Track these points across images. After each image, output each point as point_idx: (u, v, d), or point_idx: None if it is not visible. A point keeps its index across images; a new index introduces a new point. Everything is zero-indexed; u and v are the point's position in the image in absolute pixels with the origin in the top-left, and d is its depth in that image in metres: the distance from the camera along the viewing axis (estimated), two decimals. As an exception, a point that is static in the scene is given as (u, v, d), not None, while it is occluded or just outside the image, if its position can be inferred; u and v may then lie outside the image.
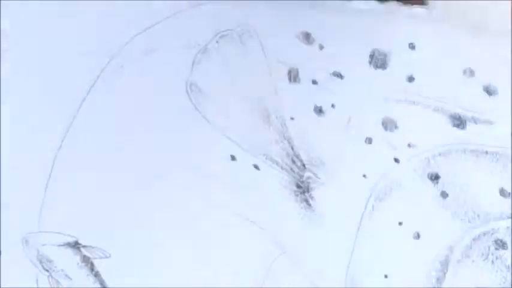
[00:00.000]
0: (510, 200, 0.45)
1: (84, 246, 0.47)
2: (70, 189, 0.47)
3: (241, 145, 0.47)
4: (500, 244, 0.45)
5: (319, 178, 0.46)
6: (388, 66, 0.47)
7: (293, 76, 0.47)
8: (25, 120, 0.48)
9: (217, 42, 0.48)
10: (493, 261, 0.45)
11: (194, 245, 0.46)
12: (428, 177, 0.46)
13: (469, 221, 0.45)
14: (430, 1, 0.47)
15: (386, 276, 0.45)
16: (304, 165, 0.47)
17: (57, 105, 0.48)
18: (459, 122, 0.46)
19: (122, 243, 0.47)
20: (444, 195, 0.46)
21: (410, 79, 0.46)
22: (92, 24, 0.48)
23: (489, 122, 0.46)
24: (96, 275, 0.47)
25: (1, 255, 0.47)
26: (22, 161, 0.48)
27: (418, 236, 0.46)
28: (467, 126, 0.46)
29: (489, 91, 0.46)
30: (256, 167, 0.47)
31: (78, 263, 0.47)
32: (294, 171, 0.47)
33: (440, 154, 0.46)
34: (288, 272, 0.46)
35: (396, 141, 0.46)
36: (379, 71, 0.47)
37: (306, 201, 0.46)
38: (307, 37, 0.47)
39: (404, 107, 0.46)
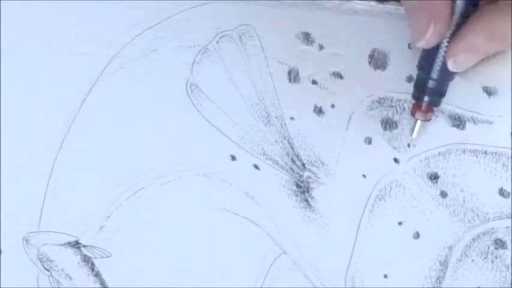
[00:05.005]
0: (510, 200, 0.45)
1: (84, 246, 0.47)
2: (70, 189, 0.47)
3: (241, 145, 0.47)
4: (500, 244, 0.45)
5: (319, 178, 0.46)
6: (388, 66, 0.47)
7: (293, 76, 0.47)
8: (25, 120, 0.48)
9: (217, 42, 0.48)
10: (492, 261, 0.45)
11: (194, 244, 0.47)
12: (428, 177, 0.46)
13: (469, 221, 0.45)
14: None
15: (386, 276, 0.45)
16: (304, 165, 0.47)
17: (58, 105, 0.48)
18: (459, 122, 0.46)
19: (122, 243, 0.47)
20: (444, 195, 0.46)
21: (410, 79, 0.46)
22: (92, 25, 0.48)
23: (489, 122, 0.46)
24: (97, 274, 0.47)
25: (1, 255, 0.47)
26: (22, 160, 0.48)
27: (417, 235, 0.46)
28: (467, 126, 0.46)
29: (489, 91, 0.46)
30: (256, 167, 0.47)
31: (78, 263, 0.47)
32: (294, 171, 0.47)
33: (440, 154, 0.46)
34: (288, 272, 0.46)
35: (396, 141, 0.46)
36: (379, 71, 0.47)
37: (306, 201, 0.46)
38: (307, 37, 0.47)
39: (404, 107, 0.46)
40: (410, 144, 0.46)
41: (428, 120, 0.44)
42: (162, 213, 0.47)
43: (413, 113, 0.44)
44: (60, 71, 0.48)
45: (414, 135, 0.45)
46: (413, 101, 0.44)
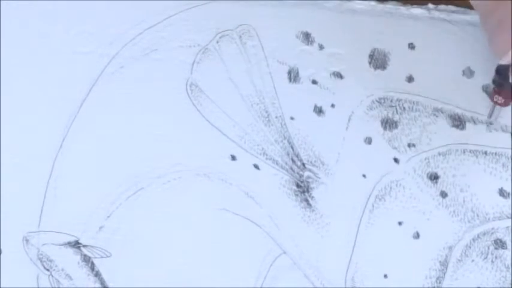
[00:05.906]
0: (509, 200, 0.45)
1: (84, 246, 0.47)
2: (70, 189, 0.47)
3: (241, 145, 0.47)
4: (500, 244, 0.45)
5: (319, 178, 0.46)
6: (388, 66, 0.47)
7: (293, 76, 0.47)
8: (25, 120, 0.48)
9: (217, 42, 0.48)
10: (492, 261, 0.45)
11: (194, 244, 0.47)
12: (428, 177, 0.46)
13: (469, 221, 0.45)
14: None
15: (386, 276, 0.45)
16: (304, 165, 0.47)
17: (58, 105, 0.48)
18: (459, 122, 0.46)
19: (121, 243, 0.47)
20: (444, 195, 0.46)
21: (410, 79, 0.46)
22: (92, 25, 0.48)
23: (489, 122, 0.46)
24: (97, 274, 0.47)
25: (1, 255, 0.47)
26: (22, 160, 0.48)
27: (417, 235, 0.46)
28: (467, 126, 0.46)
29: (489, 91, 0.46)
30: (256, 167, 0.47)
31: (78, 263, 0.47)
32: (293, 171, 0.47)
33: (440, 154, 0.46)
34: (288, 272, 0.46)
35: (396, 141, 0.46)
36: (379, 71, 0.47)
37: (306, 201, 0.46)
38: (307, 37, 0.47)
39: (404, 107, 0.46)
40: (489, 124, 0.45)
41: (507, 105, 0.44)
42: (162, 213, 0.47)
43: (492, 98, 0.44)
44: (60, 71, 0.48)
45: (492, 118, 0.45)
46: (492, 86, 0.44)
